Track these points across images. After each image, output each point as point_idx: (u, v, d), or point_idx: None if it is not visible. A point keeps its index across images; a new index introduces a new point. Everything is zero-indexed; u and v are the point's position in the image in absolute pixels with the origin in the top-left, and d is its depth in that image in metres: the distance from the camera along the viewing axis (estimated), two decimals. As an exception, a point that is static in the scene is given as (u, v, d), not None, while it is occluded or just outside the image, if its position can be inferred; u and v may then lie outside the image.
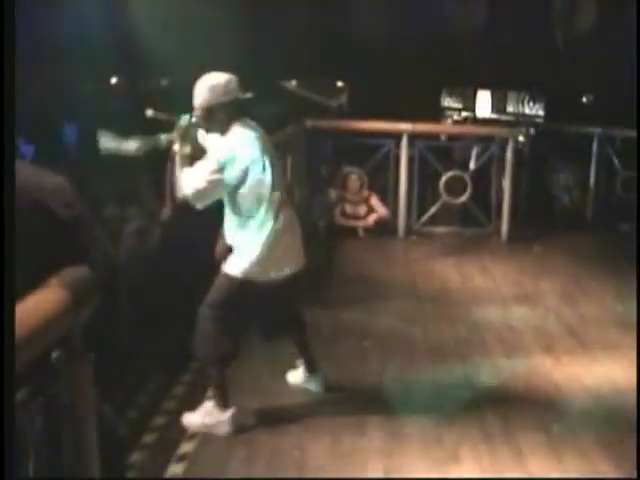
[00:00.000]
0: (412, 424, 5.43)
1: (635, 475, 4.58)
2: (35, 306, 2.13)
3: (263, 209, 5.25)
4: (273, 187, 5.26)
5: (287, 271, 5.43)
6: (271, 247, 5.27)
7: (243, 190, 5.21)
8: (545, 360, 6.63)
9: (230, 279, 5.29)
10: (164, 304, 6.52)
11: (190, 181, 5.16)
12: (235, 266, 5.29)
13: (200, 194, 5.16)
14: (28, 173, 2.68)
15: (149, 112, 5.44)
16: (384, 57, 14.57)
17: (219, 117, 5.23)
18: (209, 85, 5.21)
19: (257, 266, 5.26)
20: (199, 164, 5.18)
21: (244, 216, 5.28)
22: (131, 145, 7.77)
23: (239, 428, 5.34)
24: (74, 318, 2.24)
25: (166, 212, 7.19)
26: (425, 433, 5.30)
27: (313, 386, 5.96)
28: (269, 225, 5.26)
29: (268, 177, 5.23)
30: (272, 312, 5.62)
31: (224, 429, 5.32)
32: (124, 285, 5.57)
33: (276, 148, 7.67)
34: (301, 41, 14.74)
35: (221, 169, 5.10)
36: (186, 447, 5.13)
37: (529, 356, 6.75)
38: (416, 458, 4.99)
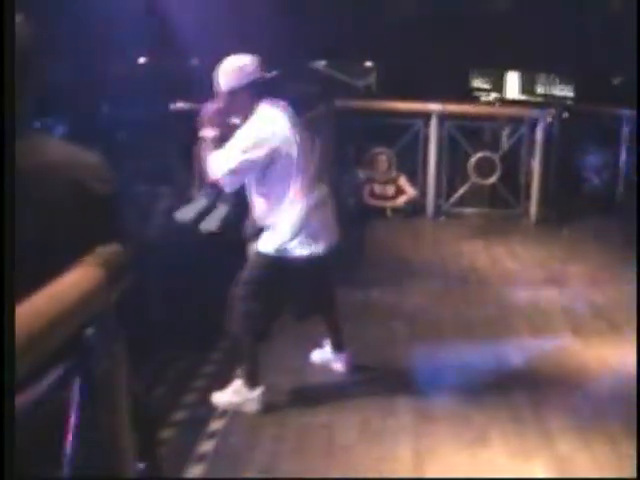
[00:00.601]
0: (441, 405, 5.44)
1: (635, 475, 4.56)
2: (71, 283, 2.14)
3: (293, 187, 5.24)
4: (303, 165, 5.27)
5: (320, 248, 5.41)
6: (303, 224, 5.27)
7: (273, 170, 5.20)
8: (574, 342, 6.61)
9: (263, 257, 5.31)
10: (194, 283, 6.55)
11: (220, 164, 5.15)
12: (268, 244, 5.29)
13: (231, 176, 5.16)
14: (63, 150, 2.69)
15: (175, 105, 5.42)
16: (414, 38, 14.54)
17: (243, 100, 5.23)
18: (229, 69, 5.22)
19: (289, 243, 5.26)
20: (228, 146, 5.16)
21: (274, 196, 5.27)
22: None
23: (268, 406, 5.37)
24: (109, 295, 2.25)
25: (197, 191, 7.22)
26: (454, 414, 5.31)
27: (339, 366, 5.98)
28: (300, 203, 5.26)
29: (297, 156, 5.23)
30: (305, 291, 5.60)
31: (252, 407, 5.34)
32: (154, 263, 5.61)
33: (306, 128, 7.68)
34: (330, 22, 14.73)
35: (250, 150, 5.10)
36: (216, 424, 5.17)
37: (558, 338, 6.74)
38: (445, 439, 4.99)
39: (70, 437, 2.15)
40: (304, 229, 5.28)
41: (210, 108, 5.28)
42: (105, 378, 2.26)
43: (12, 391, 1.43)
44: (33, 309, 1.92)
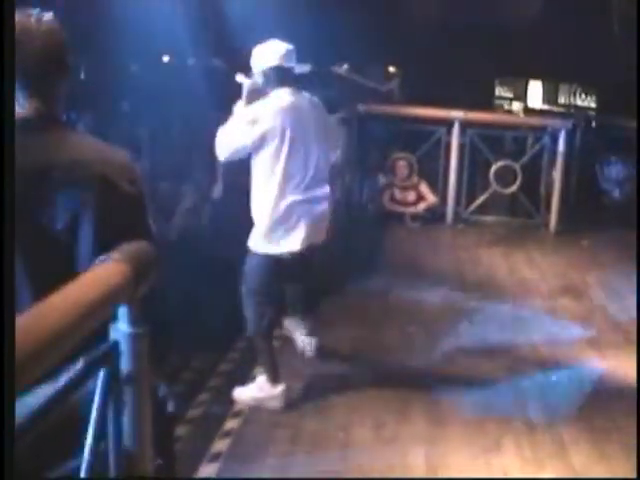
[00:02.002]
0: (455, 411, 5.45)
1: (635, 475, 4.55)
2: (98, 278, 2.17)
3: (275, 183, 5.28)
4: (290, 163, 5.29)
5: (298, 246, 5.44)
6: (281, 220, 5.33)
7: (258, 157, 5.28)
8: (590, 353, 6.60)
9: (252, 254, 5.42)
10: (212, 282, 6.58)
11: (220, 134, 5.29)
12: (252, 241, 5.40)
13: (224, 145, 5.28)
14: (95, 147, 2.73)
15: (239, 77, 5.51)
16: (438, 45, 14.54)
17: (266, 81, 5.37)
18: (260, 51, 5.39)
19: (270, 240, 5.34)
20: (231, 119, 5.33)
21: (259, 187, 5.35)
22: None
23: (289, 404, 5.43)
24: (135, 291, 2.28)
25: (217, 190, 7.26)
26: (468, 421, 5.32)
27: (308, 350, 6.15)
28: (282, 197, 5.30)
29: (286, 151, 5.25)
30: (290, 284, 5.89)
31: (275, 404, 5.42)
32: (175, 262, 5.64)
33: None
34: (353, 26, 14.74)
35: (244, 125, 5.19)
36: (231, 424, 5.19)
37: (574, 348, 6.73)
38: (458, 446, 5.01)
39: (92, 430, 2.17)
40: (280, 228, 5.34)
41: (251, 85, 5.40)
42: (129, 371, 2.29)
43: (12, 393, 1.45)
44: (60, 303, 1.95)
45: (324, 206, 5.62)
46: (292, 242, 5.41)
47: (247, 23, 11.24)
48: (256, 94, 5.37)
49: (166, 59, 16.73)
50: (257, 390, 5.47)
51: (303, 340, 6.14)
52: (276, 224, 5.31)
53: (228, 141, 5.24)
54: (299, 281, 5.94)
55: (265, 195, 5.31)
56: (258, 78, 5.38)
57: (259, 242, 5.36)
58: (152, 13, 11.28)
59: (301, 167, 5.35)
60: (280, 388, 5.44)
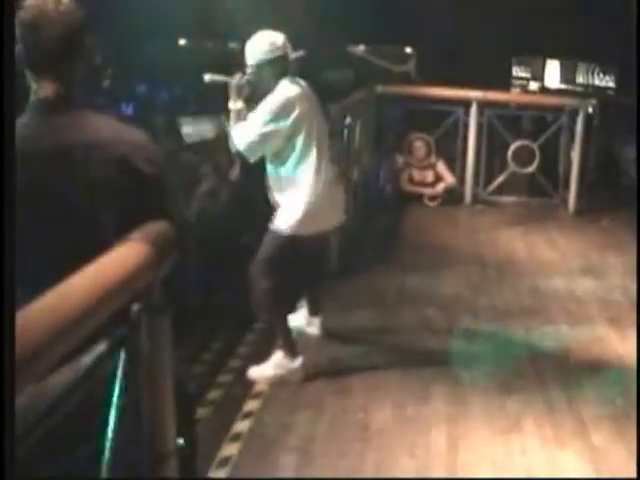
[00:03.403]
0: (476, 392, 5.44)
1: (635, 475, 4.53)
2: (118, 259, 2.17)
3: (307, 166, 5.39)
4: (317, 145, 5.41)
5: (328, 226, 5.72)
6: (315, 204, 5.41)
7: (289, 146, 5.35)
8: (610, 333, 6.58)
9: (278, 236, 5.43)
10: (231, 264, 6.58)
11: (242, 135, 5.30)
12: (282, 223, 5.42)
13: (251, 147, 5.30)
14: (113, 128, 2.73)
15: (207, 77, 5.54)
16: (454, 25, 14.48)
17: (267, 74, 5.37)
18: (258, 43, 5.39)
19: (302, 222, 5.40)
20: (250, 117, 5.32)
21: (289, 173, 5.42)
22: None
23: (309, 377, 5.51)
24: (155, 272, 2.28)
25: (235, 172, 7.25)
26: (488, 401, 5.31)
27: (313, 329, 6.18)
28: (313, 182, 5.40)
29: (312, 135, 5.38)
30: (308, 263, 5.96)
31: (297, 376, 5.48)
32: (194, 243, 5.64)
33: (345, 112, 7.68)
34: (370, 7, 14.70)
35: (269, 123, 5.24)
36: (251, 405, 5.20)
37: (594, 328, 6.71)
38: (479, 426, 5.00)
39: (114, 411, 2.18)
40: (316, 209, 5.42)
41: (238, 80, 5.39)
42: (150, 352, 2.29)
43: (12, 389, 1.45)
44: (81, 284, 1.95)
45: (340, 187, 5.82)
46: (324, 223, 5.62)
47: (264, 5, 11.22)
48: (246, 88, 5.40)
49: (182, 42, 16.74)
50: (276, 367, 5.51)
51: (309, 320, 6.18)
52: (309, 207, 5.39)
53: (255, 141, 5.26)
54: (318, 262, 5.98)
55: (298, 180, 5.40)
56: (259, 71, 5.37)
57: (292, 224, 5.40)
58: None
59: (320, 149, 5.44)
60: (299, 362, 5.51)
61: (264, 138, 5.26)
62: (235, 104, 5.39)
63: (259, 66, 5.36)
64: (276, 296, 5.47)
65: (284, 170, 5.43)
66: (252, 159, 5.41)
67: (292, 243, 5.44)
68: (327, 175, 5.49)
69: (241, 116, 5.37)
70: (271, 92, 5.33)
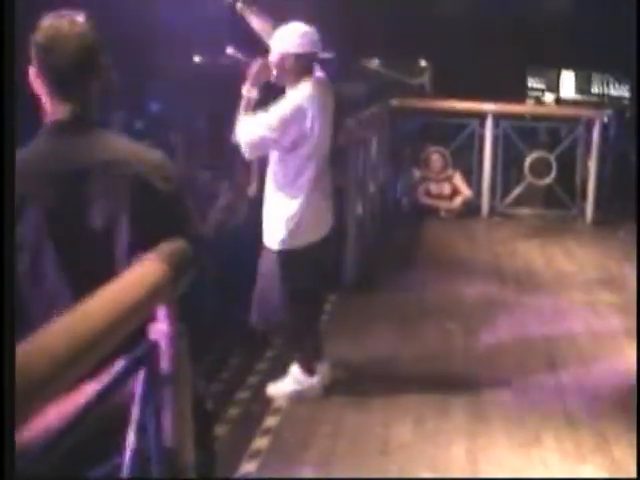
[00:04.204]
0: (495, 406, 5.42)
1: (635, 475, 4.50)
2: (136, 278, 2.17)
3: (306, 176, 5.11)
4: (322, 154, 5.18)
5: (320, 235, 5.28)
6: (309, 215, 5.15)
7: (293, 153, 5.08)
8: (629, 344, 6.54)
9: (273, 252, 5.21)
10: (247, 280, 6.58)
11: (246, 132, 5.03)
12: (275, 240, 5.20)
13: (251, 147, 5.07)
14: (129, 148, 2.75)
15: (229, 49, 5.35)
16: (469, 37, 14.49)
17: (290, 68, 5.07)
18: (287, 32, 5.10)
19: (295, 235, 5.14)
20: (260, 116, 5.03)
21: (285, 182, 5.15)
22: None
23: (328, 392, 5.46)
24: (173, 290, 2.28)
25: (253, 189, 7.25)
26: (508, 415, 5.29)
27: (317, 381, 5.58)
28: (308, 193, 5.13)
29: (319, 144, 5.10)
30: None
31: (315, 392, 5.42)
32: (212, 260, 5.64)
33: (360, 126, 7.66)
34: (384, 20, 14.71)
35: (278, 128, 4.97)
36: (270, 421, 5.19)
37: (613, 340, 6.68)
38: (499, 440, 4.98)
39: (134, 429, 2.18)
40: (309, 221, 5.15)
41: (259, 65, 5.12)
42: (169, 371, 2.30)
43: (12, 391, 1.45)
44: (100, 303, 1.95)
45: (330, 196, 5.47)
46: (317, 232, 5.26)
47: (278, 20, 11.24)
48: (263, 76, 5.11)
49: (197, 59, 16.77)
50: (295, 383, 5.44)
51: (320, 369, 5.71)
52: (305, 218, 5.13)
53: (256, 142, 5.04)
54: (328, 266, 5.72)
55: (292, 191, 5.14)
56: (282, 62, 5.06)
57: (285, 240, 5.15)
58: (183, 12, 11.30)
59: (320, 158, 5.19)
60: (317, 377, 5.44)
61: (265, 143, 5.04)
62: (249, 91, 5.09)
63: (283, 57, 5.05)
64: (287, 312, 5.25)
65: (279, 177, 5.16)
66: (248, 156, 5.22)
67: (289, 258, 5.16)
68: (322, 186, 5.25)
69: (251, 104, 5.07)
70: (291, 88, 5.08)
